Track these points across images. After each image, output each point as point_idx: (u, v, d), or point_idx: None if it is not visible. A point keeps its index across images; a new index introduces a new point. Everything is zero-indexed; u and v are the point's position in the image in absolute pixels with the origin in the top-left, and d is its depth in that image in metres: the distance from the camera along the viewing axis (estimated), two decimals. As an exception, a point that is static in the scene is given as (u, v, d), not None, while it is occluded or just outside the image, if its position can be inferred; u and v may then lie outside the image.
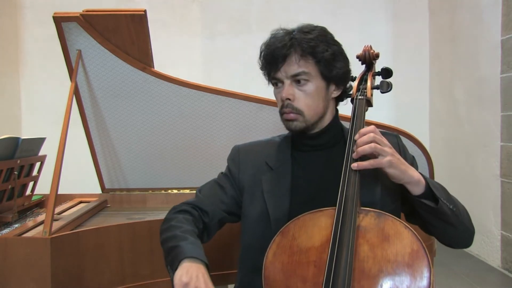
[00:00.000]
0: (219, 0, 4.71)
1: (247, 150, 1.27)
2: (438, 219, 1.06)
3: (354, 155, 1.03)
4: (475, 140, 3.85)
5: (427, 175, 1.38)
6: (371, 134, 1.01)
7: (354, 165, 1.02)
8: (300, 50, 1.08)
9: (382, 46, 4.50)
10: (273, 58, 1.11)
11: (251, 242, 1.18)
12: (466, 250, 3.85)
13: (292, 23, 1.18)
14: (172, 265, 1.00)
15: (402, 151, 1.17)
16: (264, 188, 1.17)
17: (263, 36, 1.17)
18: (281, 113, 1.15)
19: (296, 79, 1.10)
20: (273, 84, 1.18)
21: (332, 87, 1.16)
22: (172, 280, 0.99)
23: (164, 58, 3.15)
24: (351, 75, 1.19)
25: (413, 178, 1.03)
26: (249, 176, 1.22)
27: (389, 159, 1.00)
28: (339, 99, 1.21)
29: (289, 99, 1.11)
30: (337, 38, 1.18)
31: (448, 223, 1.06)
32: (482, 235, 3.65)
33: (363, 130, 1.04)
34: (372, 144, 1.00)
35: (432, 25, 4.69)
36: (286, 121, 1.14)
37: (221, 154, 1.95)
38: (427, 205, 1.03)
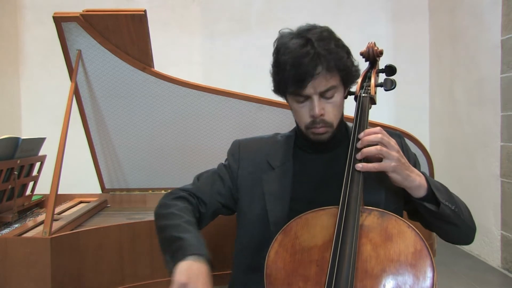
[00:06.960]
0: (219, 0, 4.71)
1: (247, 146, 1.25)
2: (440, 221, 1.06)
3: (359, 156, 1.01)
4: (475, 140, 3.84)
5: (427, 175, 1.37)
6: (378, 135, 1.00)
7: (359, 166, 1.01)
8: (327, 65, 1.03)
9: (382, 46, 4.43)
10: (300, 76, 1.03)
11: (246, 242, 1.17)
12: (466, 250, 3.87)
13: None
14: (175, 257, 0.96)
15: (405, 150, 1.16)
16: (265, 188, 1.15)
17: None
18: (309, 127, 1.11)
19: (325, 94, 1.07)
20: (294, 101, 1.11)
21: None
22: (169, 269, 0.96)
23: (164, 58, 3.14)
24: None
25: (414, 182, 1.02)
26: (248, 173, 1.20)
27: (394, 165, 0.99)
28: None
29: (322, 115, 1.08)
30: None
31: (450, 223, 1.06)
32: (482, 235, 3.64)
33: (368, 131, 1.02)
34: (378, 147, 0.99)
35: (432, 25, 4.69)
36: (315, 135, 1.11)
37: (221, 154, 1.94)
38: (429, 208, 1.03)
